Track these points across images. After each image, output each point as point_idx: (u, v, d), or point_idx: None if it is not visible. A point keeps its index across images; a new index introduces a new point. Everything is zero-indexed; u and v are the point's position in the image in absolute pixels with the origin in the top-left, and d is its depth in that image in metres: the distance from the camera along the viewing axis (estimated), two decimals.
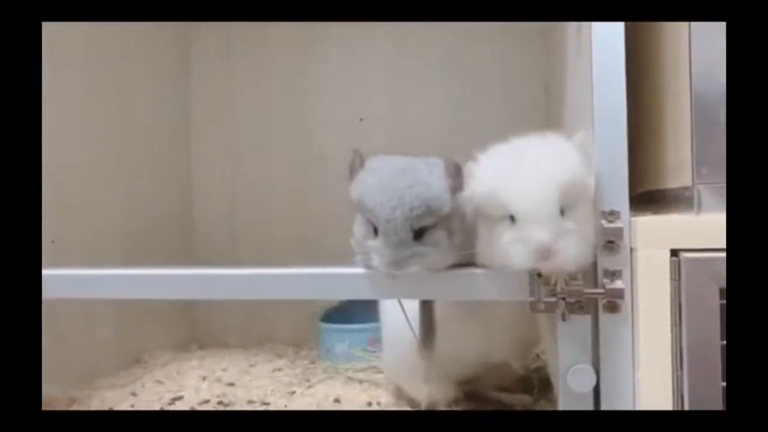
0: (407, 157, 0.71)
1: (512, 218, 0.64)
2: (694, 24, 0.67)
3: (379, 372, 1.14)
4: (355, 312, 1.24)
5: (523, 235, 0.63)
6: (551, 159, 0.65)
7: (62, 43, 1.07)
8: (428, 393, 0.89)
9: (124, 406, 1.03)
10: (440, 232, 0.67)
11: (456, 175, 0.68)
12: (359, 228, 0.69)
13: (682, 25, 0.69)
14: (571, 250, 0.63)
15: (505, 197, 0.64)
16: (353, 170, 0.70)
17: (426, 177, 0.66)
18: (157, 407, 1.02)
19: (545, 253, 0.62)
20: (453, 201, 0.67)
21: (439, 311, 0.83)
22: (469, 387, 0.94)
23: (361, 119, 1.46)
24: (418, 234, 0.66)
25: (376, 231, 0.66)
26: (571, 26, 0.89)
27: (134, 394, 1.08)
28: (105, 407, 1.02)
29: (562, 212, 0.64)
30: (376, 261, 0.66)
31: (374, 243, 0.66)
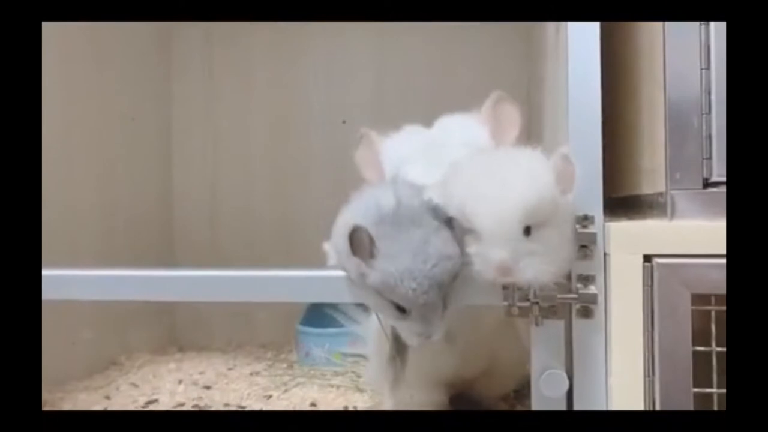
0: (414, 223, 0.69)
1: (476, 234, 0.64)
2: (669, 28, 0.67)
3: (358, 376, 1.14)
4: (336, 314, 1.23)
5: (484, 252, 0.63)
6: (519, 178, 0.64)
7: (42, 39, 1.06)
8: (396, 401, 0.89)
9: (97, 409, 1.01)
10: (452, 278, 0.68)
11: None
12: (370, 298, 0.69)
13: (657, 30, 0.69)
14: (533, 270, 0.63)
15: (470, 214, 0.64)
16: (361, 247, 0.67)
17: (445, 247, 0.66)
18: None
19: (505, 271, 0.63)
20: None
21: None
22: (459, 391, 0.94)
23: (344, 122, 1.46)
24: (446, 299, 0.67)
25: (403, 310, 0.67)
26: (551, 30, 0.89)
27: (108, 398, 1.07)
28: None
29: (528, 231, 0.63)
30: (409, 338, 0.69)
31: (405, 323, 0.68)
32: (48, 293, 0.77)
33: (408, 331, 0.68)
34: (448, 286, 0.66)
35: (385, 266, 0.66)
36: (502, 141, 0.83)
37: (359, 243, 0.66)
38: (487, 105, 0.85)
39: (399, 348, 0.81)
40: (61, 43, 1.13)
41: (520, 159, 0.67)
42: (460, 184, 0.67)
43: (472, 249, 0.64)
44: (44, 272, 0.76)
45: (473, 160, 0.70)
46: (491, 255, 0.62)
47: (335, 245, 0.73)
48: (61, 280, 0.79)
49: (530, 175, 0.64)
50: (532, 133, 1.33)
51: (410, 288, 0.65)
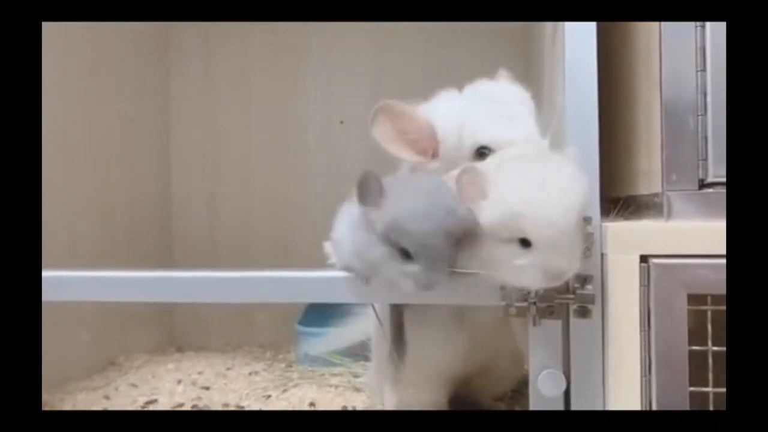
0: (432, 178, 0.70)
1: (524, 242, 0.63)
2: (665, 30, 0.67)
3: (356, 376, 1.14)
4: (335, 315, 1.24)
5: (540, 262, 0.62)
6: (568, 185, 0.63)
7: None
8: (397, 398, 0.89)
9: (96, 409, 1.02)
10: (460, 251, 0.67)
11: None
12: (374, 249, 0.67)
13: (653, 32, 0.69)
14: (577, 267, 0.64)
15: (524, 224, 0.62)
16: (369, 193, 0.67)
17: (452, 200, 0.66)
18: None
19: (561, 276, 0.63)
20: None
21: (412, 319, 0.83)
22: (457, 391, 0.94)
23: (342, 122, 1.46)
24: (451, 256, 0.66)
25: (408, 254, 0.66)
26: (548, 30, 0.89)
27: (107, 398, 1.07)
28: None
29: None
30: (406, 284, 0.66)
31: (407, 267, 0.66)
32: (47, 294, 0.77)
33: (411, 278, 0.66)
34: (455, 241, 0.65)
35: (395, 208, 0.66)
36: None
37: (367, 190, 0.66)
38: None
39: (398, 344, 0.81)
40: (61, 44, 1.13)
41: (559, 164, 0.66)
42: (507, 194, 0.64)
43: (521, 260, 0.63)
44: (43, 273, 0.76)
45: (509, 165, 0.68)
46: (551, 264, 0.62)
47: (335, 243, 0.73)
48: (60, 282, 0.79)
49: (575, 180, 0.64)
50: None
51: (419, 228, 0.64)
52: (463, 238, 0.66)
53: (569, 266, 0.62)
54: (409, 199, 0.66)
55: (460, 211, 0.65)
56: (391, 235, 0.66)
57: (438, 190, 0.67)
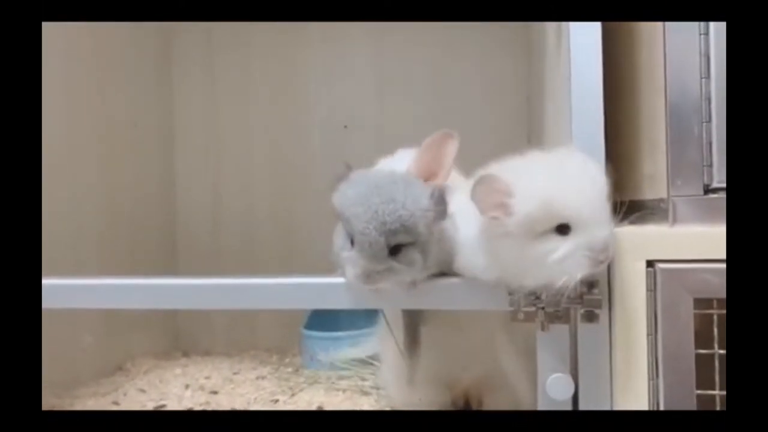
0: (390, 173, 0.71)
1: (562, 230, 0.63)
2: (669, 37, 0.68)
3: (363, 380, 1.15)
4: (340, 319, 1.25)
5: (584, 241, 0.62)
6: (587, 166, 0.65)
7: (43, 43, 1.06)
8: (413, 398, 0.90)
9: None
10: (416, 251, 0.67)
11: (440, 202, 0.68)
12: (338, 238, 0.70)
13: (657, 39, 0.70)
14: (614, 244, 0.64)
15: (561, 208, 0.63)
16: (336, 179, 0.70)
17: (401, 196, 0.66)
18: None
19: (608, 252, 0.63)
20: (433, 224, 0.68)
21: (425, 320, 0.84)
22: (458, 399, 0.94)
23: (346, 126, 1.47)
24: (394, 250, 0.67)
25: (353, 242, 0.67)
26: (551, 29, 0.90)
27: (116, 403, 1.08)
28: None
29: None
30: (349, 272, 0.67)
31: (350, 254, 0.67)
32: (53, 302, 0.78)
33: (351, 265, 0.67)
34: (396, 232, 0.65)
35: (346, 189, 0.68)
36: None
37: (341, 175, 0.70)
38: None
39: (410, 343, 0.81)
40: (65, 49, 1.14)
41: (570, 153, 0.68)
42: (538, 185, 0.64)
43: (564, 247, 0.63)
44: (50, 281, 0.77)
45: (530, 166, 0.68)
46: (596, 237, 0.62)
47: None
48: (65, 289, 0.80)
49: (590, 161, 0.66)
50: (532, 134, 1.35)
51: (354, 212, 0.65)
52: (421, 238, 0.66)
53: (610, 239, 0.63)
54: (355, 187, 0.68)
55: (406, 207, 0.65)
56: (340, 219, 0.68)
57: (389, 185, 0.67)
